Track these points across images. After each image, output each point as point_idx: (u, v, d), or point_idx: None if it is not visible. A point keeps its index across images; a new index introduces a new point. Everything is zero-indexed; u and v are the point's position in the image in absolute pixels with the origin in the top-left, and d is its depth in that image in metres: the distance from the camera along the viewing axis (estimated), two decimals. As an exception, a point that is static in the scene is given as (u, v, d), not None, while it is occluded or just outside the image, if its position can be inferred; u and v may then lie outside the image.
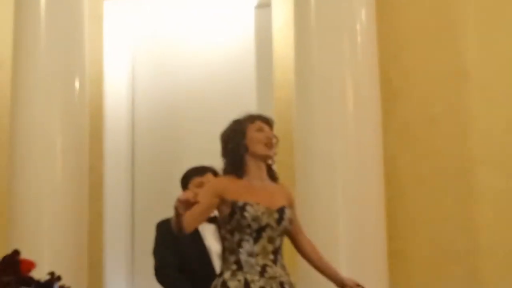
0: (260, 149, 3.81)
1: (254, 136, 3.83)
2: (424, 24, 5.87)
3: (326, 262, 3.98)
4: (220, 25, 6.64)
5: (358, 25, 5.34)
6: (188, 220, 3.58)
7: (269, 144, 3.82)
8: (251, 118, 3.89)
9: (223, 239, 3.81)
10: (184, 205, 3.45)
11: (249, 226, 3.69)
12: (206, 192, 3.76)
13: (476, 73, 5.72)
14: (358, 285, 3.88)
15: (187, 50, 6.71)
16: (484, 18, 5.75)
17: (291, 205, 3.93)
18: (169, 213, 6.19)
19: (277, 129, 4.01)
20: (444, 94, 5.79)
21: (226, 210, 3.74)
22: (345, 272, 4.99)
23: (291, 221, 3.86)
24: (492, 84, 5.68)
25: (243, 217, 3.69)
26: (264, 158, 3.85)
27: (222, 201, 3.74)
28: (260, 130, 3.85)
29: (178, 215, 3.51)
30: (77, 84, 5.80)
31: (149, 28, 6.89)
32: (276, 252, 3.76)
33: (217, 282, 3.72)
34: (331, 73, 5.27)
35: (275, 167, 3.94)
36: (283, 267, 3.79)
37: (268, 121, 3.91)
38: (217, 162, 4.13)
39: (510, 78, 5.64)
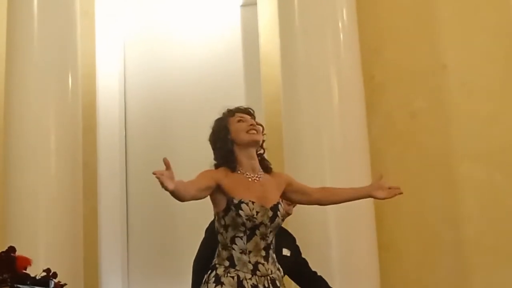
0: (244, 136, 3.79)
1: (236, 127, 3.82)
2: (403, 22, 5.95)
3: (342, 190, 4.02)
4: (208, 23, 6.70)
5: (340, 23, 5.41)
6: (181, 189, 3.50)
7: (252, 130, 3.81)
8: (230, 112, 3.89)
9: (217, 232, 3.80)
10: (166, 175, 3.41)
11: (243, 224, 3.69)
12: (202, 174, 3.72)
13: (455, 68, 5.79)
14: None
15: (177, 47, 6.75)
16: (462, 14, 5.81)
17: (290, 184, 3.91)
18: (163, 206, 6.37)
19: (266, 123, 4.04)
20: (425, 89, 5.86)
21: (222, 204, 3.73)
22: (335, 265, 5.07)
23: (284, 216, 3.89)
24: (471, 78, 5.75)
25: (238, 215, 3.69)
26: (252, 144, 3.83)
27: (217, 189, 3.72)
28: (240, 120, 3.85)
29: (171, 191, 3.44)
30: (70, 80, 5.78)
31: (140, 24, 6.91)
32: (268, 248, 3.76)
33: (210, 275, 3.73)
34: (316, 69, 5.33)
35: (266, 156, 3.92)
36: (274, 263, 3.80)
37: (247, 111, 3.91)
38: (207, 156, 4.17)
39: (488, 72, 5.71)
